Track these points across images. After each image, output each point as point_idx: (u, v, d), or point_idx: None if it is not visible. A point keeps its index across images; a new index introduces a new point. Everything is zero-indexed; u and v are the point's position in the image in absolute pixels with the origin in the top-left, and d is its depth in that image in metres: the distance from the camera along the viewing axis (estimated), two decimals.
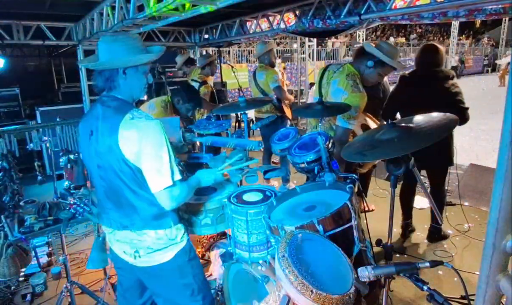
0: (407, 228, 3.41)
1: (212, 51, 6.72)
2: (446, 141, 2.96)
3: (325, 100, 2.54)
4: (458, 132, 2.77)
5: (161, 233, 1.56)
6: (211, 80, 4.81)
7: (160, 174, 1.44)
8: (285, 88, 4.61)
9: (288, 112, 4.47)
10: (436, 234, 3.27)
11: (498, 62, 21.09)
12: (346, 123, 2.36)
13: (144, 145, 1.42)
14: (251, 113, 5.28)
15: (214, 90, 4.68)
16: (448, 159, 3.03)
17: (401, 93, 3.13)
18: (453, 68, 24.84)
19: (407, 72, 3.15)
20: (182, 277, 1.64)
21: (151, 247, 1.56)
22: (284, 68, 11.19)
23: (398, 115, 3.09)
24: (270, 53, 4.39)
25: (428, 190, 3.21)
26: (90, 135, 1.52)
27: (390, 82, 3.86)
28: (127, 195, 1.51)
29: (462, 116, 2.80)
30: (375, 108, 3.59)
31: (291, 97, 4.81)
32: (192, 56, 5.74)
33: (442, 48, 3.03)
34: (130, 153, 1.42)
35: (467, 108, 2.84)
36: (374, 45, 2.35)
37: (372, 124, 2.75)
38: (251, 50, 15.56)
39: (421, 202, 3.92)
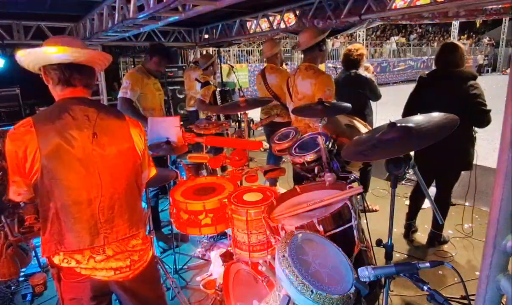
0: (410, 228, 3.39)
1: (212, 51, 6.74)
2: (466, 146, 2.89)
3: (295, 100, 2.85)
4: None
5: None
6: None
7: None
8: None
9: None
10: (436, 240, 3.25)
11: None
12: None
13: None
14: (252, 113, 5.26)
15: (219, 90, 4.53)
16: (467, 164, 2.95)
17: (420, 94, 3.03)
18: (479, 66, 23.79)
19: (426, 72, 3.06)
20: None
21: (142, 246, 1.48)
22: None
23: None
24: (279, 53, 4.05)
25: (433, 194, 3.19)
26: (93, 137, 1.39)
27: (380, 82, 3.81)
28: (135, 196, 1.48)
29: (482, 119, 2.71)
30: (361, 104, 3.54)
31: None
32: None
33: (462, 46, 2.92)
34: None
35: (488, 111, 2.70)
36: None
37: (361, 127, 2.70)
38: (251, 50, 15.55)
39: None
